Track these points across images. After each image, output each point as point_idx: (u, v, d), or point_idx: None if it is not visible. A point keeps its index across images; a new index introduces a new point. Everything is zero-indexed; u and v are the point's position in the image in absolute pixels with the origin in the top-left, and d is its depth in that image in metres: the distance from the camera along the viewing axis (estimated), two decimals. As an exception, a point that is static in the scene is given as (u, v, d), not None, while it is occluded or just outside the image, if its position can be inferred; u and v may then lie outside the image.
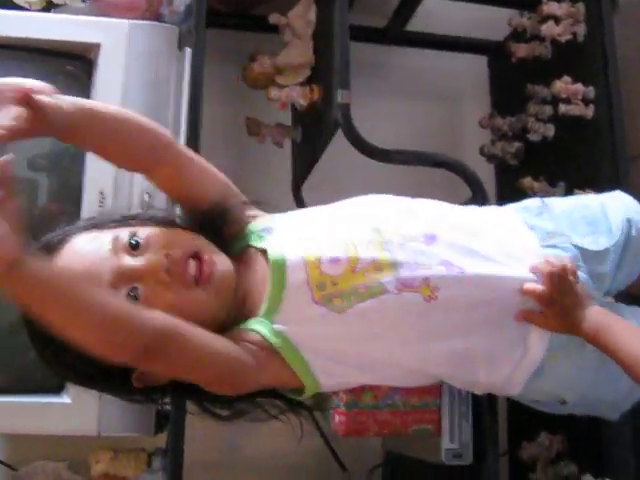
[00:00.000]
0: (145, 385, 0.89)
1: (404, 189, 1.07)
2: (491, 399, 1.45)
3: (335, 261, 0.90)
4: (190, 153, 1.00)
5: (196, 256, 0.88)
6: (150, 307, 0.83)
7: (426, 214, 0.99)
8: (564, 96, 1.83)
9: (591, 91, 1.80)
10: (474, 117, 2.21)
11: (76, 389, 1.28)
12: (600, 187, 1.73)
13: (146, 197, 1.31)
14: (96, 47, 1.42)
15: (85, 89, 1.42)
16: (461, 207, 1.10)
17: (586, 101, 1.81)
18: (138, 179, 1.32)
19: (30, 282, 0.70)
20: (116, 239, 0.88)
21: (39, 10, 1.61)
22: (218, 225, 0.97)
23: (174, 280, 0.86)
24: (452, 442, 1.45)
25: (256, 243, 0.95)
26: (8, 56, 1.43)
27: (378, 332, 0.91)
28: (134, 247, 0.88)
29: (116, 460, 1.45)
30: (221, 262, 0.91)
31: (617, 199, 1.16)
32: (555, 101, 1.88)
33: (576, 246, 1.03)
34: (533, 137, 1.99)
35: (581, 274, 0.99)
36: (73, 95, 1.40)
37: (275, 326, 0.89)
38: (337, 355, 0.92)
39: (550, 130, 1.94)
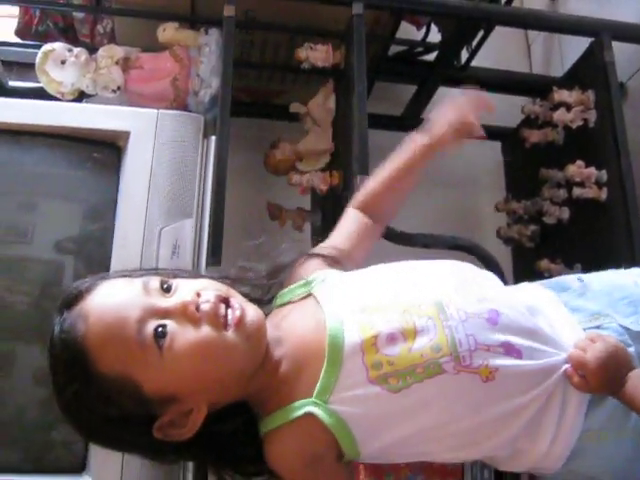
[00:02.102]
0: (166, 437, 0.88)
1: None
2: (514, 482, 1.43)
3: (392, 339, 0.89)
4: None
5: (226, 302, 0.89)
6: (174, 345, 0.84)
7: (488, 290, 0.98)
8: (578, 180, 1.87)
9: (604, 174, 1.83)
10: (490, 201, 2.26)
11: (98, 469, 1.28)
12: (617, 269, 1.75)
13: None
14: (126, 135, 1.48)
15: (113, 175, 1.48)
16: (509, 286, 1.09)
17: (599, 184, 1.84)
18: (162, 264, 1.37)
19: None
20: (147, 282, 0.89)
21: (71, 100, 1.70)
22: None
23: (203, 318, 0.86)
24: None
25: (317, 292, 0.97)
26: (41, 143, 1.51)
27: (432, 409, 0.89)
28: (166, 290, 0.89)
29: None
30: (251, 310, 0.90)
31: None
32: (569, 185, 1.92)
33: (622, 326, 1.01)
34: (549, 220, 2.02)
35: (631, 350, 0.98)
36: (101, 181, 1.49)
37: (330, 407, 0.87)
38: (386, 433, 0.90)
39: (565, 213, 1.98)
